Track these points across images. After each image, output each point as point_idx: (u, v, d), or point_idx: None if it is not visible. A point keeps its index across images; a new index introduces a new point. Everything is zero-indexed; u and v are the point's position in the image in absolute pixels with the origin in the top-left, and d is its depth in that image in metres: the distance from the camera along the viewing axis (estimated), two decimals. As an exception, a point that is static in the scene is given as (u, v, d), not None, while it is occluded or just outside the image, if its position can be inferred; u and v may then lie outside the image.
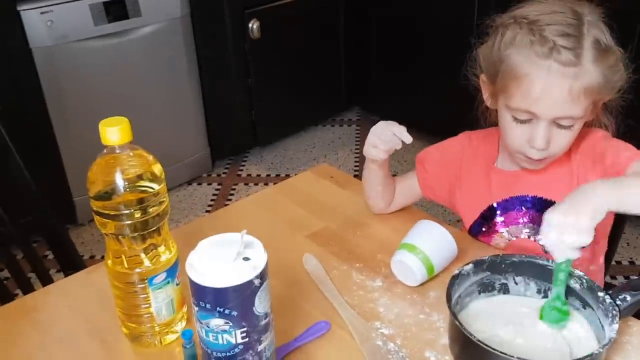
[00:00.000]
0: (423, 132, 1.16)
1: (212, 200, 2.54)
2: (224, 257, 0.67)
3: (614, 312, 0.76)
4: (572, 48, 0.85)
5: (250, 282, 0.65)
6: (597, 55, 0.87)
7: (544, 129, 0.90)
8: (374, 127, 0.99)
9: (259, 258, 0.68)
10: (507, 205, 1.03)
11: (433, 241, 0.95)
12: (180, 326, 0.86)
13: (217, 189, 2.61)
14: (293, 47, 2.79)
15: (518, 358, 0.71)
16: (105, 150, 0.75)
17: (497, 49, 0.92)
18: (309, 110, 3.01)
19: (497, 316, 0.85)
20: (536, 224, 1.02)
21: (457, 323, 0.76)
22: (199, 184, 2.66)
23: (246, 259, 0.68)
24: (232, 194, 2.58)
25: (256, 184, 2.65)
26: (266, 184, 2.62)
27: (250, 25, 2.56)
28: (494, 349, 0.72)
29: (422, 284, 0.94)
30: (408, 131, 0.96)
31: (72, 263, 1.25)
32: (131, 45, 2.25)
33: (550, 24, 0.87)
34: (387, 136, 0.97)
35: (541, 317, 0.82)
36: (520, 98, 0.89)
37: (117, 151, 0.75)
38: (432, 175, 1.11)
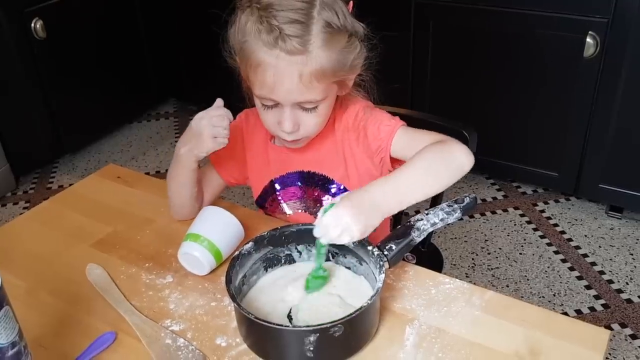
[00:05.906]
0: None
1: (20, 220, 2.31)
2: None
3: (381, 262, 0.80)
4: (298, 36, 0.82)
5: (-21, 313, 0.58)
6: (326, 39, 0.84)
7: (288, 113, 0.89)
8: (196, 121, 0.91)
9: (-12, 285, 0.61)
10: (285, 181, 1.04)
11: (217, 226, 0.93)
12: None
13: (25, 207, 2.38)
14: (87, 43, 2.58)
15: (294, 326, 0.73)
16: None
17: (236, 34, 0.89)
18: (119, 108, 2.83)
19: (281, 286, 0.87)
20: (310, 198, 1.04)
21: (235, 304, 0.75)
22: (3, 205, 2.40)
23: (-27, 288, 0.60)
24: (43, 210, 2.36)
25: (70, 195, 2.45)
26: (82, 193, 2.44)
27: (32, 24, 2.33)
28: (269, 323, 0.73)
29: (213, 271, 0.93)
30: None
31: None
32: None
33: (281, 9, 0.83)
34: (221, 122, 0.90)
35: (307, 288, 0.85)
36: (259, 86, 0.88)
37: None
38: (224, 158, 1.07)
